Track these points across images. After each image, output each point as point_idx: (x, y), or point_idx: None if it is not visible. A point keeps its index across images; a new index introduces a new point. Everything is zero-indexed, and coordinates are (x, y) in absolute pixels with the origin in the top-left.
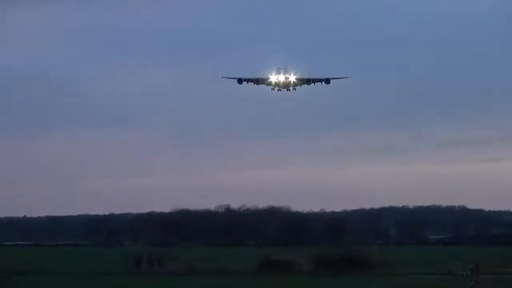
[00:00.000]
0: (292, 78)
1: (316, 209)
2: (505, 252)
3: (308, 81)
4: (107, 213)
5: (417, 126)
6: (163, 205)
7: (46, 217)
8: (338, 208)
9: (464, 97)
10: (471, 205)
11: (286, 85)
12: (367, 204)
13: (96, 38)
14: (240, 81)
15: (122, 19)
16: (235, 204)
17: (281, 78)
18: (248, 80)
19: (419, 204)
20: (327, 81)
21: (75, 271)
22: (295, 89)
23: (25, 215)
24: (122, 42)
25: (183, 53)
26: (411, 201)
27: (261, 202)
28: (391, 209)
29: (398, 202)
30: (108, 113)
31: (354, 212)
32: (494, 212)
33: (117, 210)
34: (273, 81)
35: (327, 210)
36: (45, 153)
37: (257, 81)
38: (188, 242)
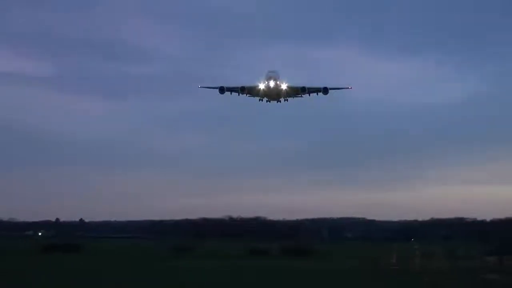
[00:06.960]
0: (284, 86)
1: (280, 218)
2: (390, 247)
3: (302, 90)
4: (159, 219)
5: (345, 168)
6: (192, 215)
7: (127, 220)
8: (294, 218)
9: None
10: (370, 217)
11: (277, 95)
12: (311, 216)
13: None
14: (222, 90)
15: None
16: (234, 215)
17: (272, 84)
18: (231, 90)
19: (341, 216)
20: (325, 90)
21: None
22: (287, 100)
23: (115, 219)
24: None
25: None
26: (337, 214)
27: (250, 213)
28: (325, 219)
29: (328, 215)
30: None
31: (304, 220)
32: (382, 221)
33: (166, 217)
34: (261, 89)
35: (287, 219)
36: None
37: (242, 90)
38: (207, 238)
